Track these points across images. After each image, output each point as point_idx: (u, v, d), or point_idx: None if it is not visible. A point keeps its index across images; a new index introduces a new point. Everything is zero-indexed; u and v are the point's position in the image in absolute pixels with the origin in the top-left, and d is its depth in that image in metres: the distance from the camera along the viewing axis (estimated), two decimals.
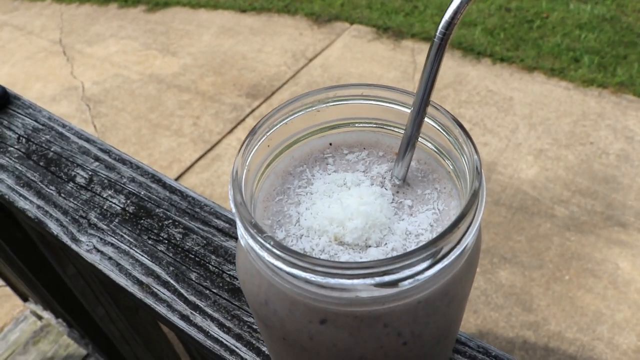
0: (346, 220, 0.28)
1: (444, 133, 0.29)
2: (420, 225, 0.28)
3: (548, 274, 2.93)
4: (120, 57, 4.80)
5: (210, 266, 0.53)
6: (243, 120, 4.05)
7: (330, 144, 0.33)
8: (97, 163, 0.65)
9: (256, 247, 0.26)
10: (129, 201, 0.60)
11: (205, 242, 0.55)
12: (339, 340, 0.27)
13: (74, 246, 0.57)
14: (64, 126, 0.70)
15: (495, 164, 3.60)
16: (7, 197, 0.62)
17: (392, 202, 0.30)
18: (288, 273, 0.25)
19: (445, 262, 0.25)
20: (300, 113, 0.31)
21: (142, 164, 0.64)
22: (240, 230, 0.27)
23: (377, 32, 4.71)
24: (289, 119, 0.31)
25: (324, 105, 0.31)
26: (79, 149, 0.67)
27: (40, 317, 2.09)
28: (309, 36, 4.76)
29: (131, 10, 5.46)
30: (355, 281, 0.24)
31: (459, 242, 0.25)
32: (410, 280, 0.24)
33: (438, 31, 0.25)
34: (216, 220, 0.57)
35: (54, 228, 0.59)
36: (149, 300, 0.52)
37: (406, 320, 0.27)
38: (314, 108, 0.31)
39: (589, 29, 4.38)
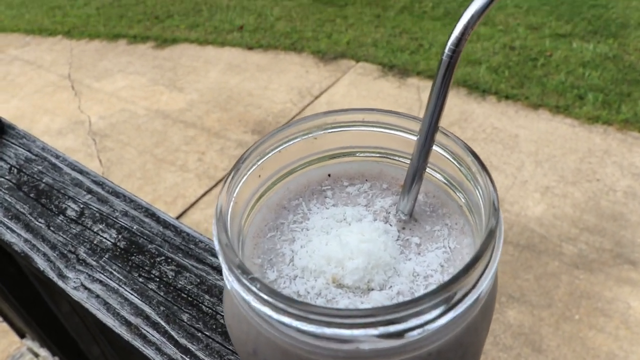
0: (346, 260, 0.24)
1: (455, 162, 0.26)
2: (430, 265, 0.25)
3: (557, 313, 2.87)
4: (128, 92, 4.86)
5: (203, 306, 0.50)
6: None
7: (329, 175, 0.30)
8: (89, 195, 0.62)
9: (242, 291, 0.22)
10: (120, 236, 0.57)
11: (199, 280, 0.52)
12: None
13: (60, 283, 0.53)
14: (57, 157, 0.68)
15: (502, 201, 3.57)
16: None
17: (397, 240, 0.27)
18: (278, 321, 0.22)
19: (459, 309, 0.21)
20: (296, 140, 0.28)
21: (135, 197, 0.61)
22: (225, 272, 0.24)
23: (383, 70, 4.76)
24: (282, 147, 0.28)
25: (322, 132, 0.28)
26: (72, 180, 0.64)
27: (36, 355, 2.04)
28: (315, 74, 4.81)
29: (140, 47, 5.54)
30: (356, 331, 0.20)
31: (474, 287, 0.21)
32: (419, 331, 0.21)
33: (447, 48, 0.23)
34: (211, 258, 0.54)
35: (41, 263, 0.56)
36: (137, 343, 0.48)
37: None
38: (310, 135, 0.28)
39: (593, 67, 4.41)
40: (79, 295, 0.52)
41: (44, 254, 0.57)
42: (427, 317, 0.20)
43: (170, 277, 0.53)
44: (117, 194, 0.62)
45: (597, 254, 3.12)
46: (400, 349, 0.22)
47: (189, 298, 0.51)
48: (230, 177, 0.26)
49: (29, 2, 6.67)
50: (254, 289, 0.21)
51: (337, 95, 4.52)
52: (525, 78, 4.46)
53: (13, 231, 0.60)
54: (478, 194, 0.25)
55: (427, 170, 0.29)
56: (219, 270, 0.53)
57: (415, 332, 0.21)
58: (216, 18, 5.78)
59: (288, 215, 0.29)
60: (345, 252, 0.25)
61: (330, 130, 0.28)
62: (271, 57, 5.09)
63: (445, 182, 0.28)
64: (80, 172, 0.65)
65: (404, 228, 0.27)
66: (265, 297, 0.21)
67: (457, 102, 4.32)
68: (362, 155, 0.30)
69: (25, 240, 0.58)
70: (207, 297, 0.51)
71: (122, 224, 0.59)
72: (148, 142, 4.22)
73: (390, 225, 0.27)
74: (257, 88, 4.70)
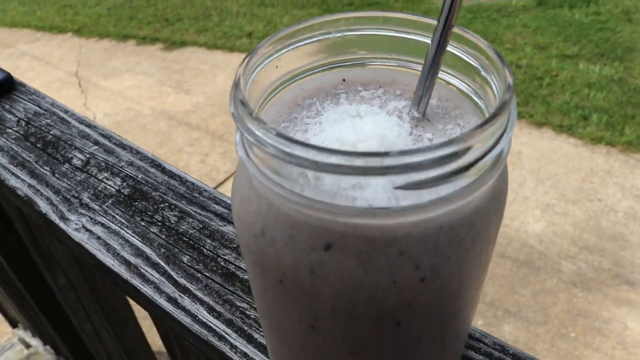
0: (359, 142, 0.24)
1: (468, 58, 0.26)
2: None
3: (553, 330, 2.85)
4: (134, 92, 4.87)
5: (204, 249, 0.49)
6: None
7: (344, 80, 0.30)
8: (96, 147, 0.62)
9: (257, 144, 0.22)
10: (125, 184, 0.57)
11: (201, 225, 0.52)
12: (346, 271, 0.23)
13: (61, 224, 0.53)
14: (66, 112, 0.68)
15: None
16: None
17: (410, 134, 0.26)
18: (288, 161, 0.21)
19: (471, 173, 0.21)
20: (313, 39, 0.28)
21: (142, 149, 0.61)
22: (239, 136, 0.24)
23: None
24: (300, 44, 0.28)
25: (339, 33, 0.28)
26: (79, 133, 0.64)
27: (28, 345, 2.03)
28: None
29: (149, 48, 5.57)
30: (372, 179, 0.20)
31: (489, 152, 0.21)
32: (432, 187, 0.20)
33: None
34: (215, 205, 0.54)
35: (43, 206, 0.56)
36: (135, 282, 0.47)
37: (425, 248, 0.22)
38: (329, 35, 0.28)
39: (598, 88, 4.43)
40: (80, 237, 0.52)
41: (47, 198, 0.56)
42: (443, 170, 0.20)
43: (172, 222, 0.52)
44: (123, 146, 0.62)
45: (595, 273, 3.10)
46: (413, 211, 0.21)
47: (191, 242, 0.50)
48: (248, 59, 0.26)
49: (41, 0, 6.73)
50: (270, 135, 0.21)
51: None
52: (530, 96, 4.47)
53: (17, 177, 0.59)
54: (493, 84, 0.25)
55: (442, 76, 0.29)
56: (222, 217, 0.53)
57: (430, 188, 0.20)
58: (226, 23, 5.81)
59: (302, 112, 0.29)
60: (359, 135, 0.24)
61: (347, 34, 0.28)
62: None
63: (460, 84, 0.28)
64: (88, 125, 0.65)
65: (417, 125, 0.27)
66: (282, 142, 0.20)
67: None
68: (377, 61, 0.30)
69: (29, 186, 0.58)
70: (208, 241, 0.50)
71: (127, 172, 0.58)
72: (152, 142, 4.22)
73: (404, 122, 0.27)
74: None
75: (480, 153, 0.21)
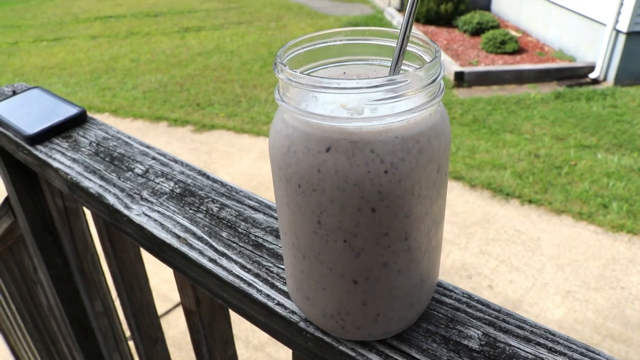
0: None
1: (419, 51, 0.42)
2: None
3: None
4: None
5: (239, 229, 0.63)
6: None
7: (344, 73, 0.45)
8: (153, 161, 0.78)
9: (284, 78, 0.37)
10: (176, 186, 0.72)
11: (237, 213, 0.65)
12: (339, 165, 0.37)
13: (126, 211, 0.67)
14: (129, 137, 0.84)
15: (521, 302, 3.54)
16: (74, 179, 0.75)
17: None
18: (305, 88, 0.35)
19: (415, 99, 0.35)
20: (324, 44, 0.44)
21: (192, 164, 0.76)
22: (278, 87, 0.39)
23: None
24: (316, 45, 0.43)
25: (340, 42, 0.44)
26: (140, 151, 0.80)
27: None
28: None
29: (179, 129, 5.86)
30: (353, 96, 0.35)
31: (426, 86, 0.35)
32: (389, 103, 0.35)
33: None
34: (248, 200, 0.68)
35: (111, 200, 0.70)
36: (184, 249, 0.60)
37: (387, 149, 0.36)
38: (335, 43, 0.44)
39: (617, 177, 4.49)
40: (141, 220, 0.66)
41: (114, 194, 0.71)
42: (393, 91, 0.34)
43: (214, 210, 0.66)
44: (176, 160, 0.78)
45: None
46: (378, 123, 0.35)
47: (228, 224, 0.64)
48: (280, 51, 0.42)
49: (83, 82, 7.18)
50: (294, 72, 0.35)
51: None
52: (549, 184, 4.54)
53: (90, 180, 0.75)
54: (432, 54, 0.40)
55: (404, 67, 0.44)
56: (254, 208, 0.66)
57: (387, 105, 0.34)
58: (254, 110, 6.11)
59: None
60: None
61: (346, 41, 0.44)
62: None
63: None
64: (148, 147, 0.81)
65: None
66: (301, 78, 0.35)
67: (480, 204, 4.40)
68: (366, 61, 0.45)
69: (100, 186, 0.73)
70: (243, 223, 0.64)
71: (179, 178, 0.73)
72: None
73: None
74: None
75: (417, 85, 0.35)
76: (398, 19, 8.78)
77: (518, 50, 7.05)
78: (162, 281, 3.29)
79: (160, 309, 3.14)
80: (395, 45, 0.42)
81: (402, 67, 0.40)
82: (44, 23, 10.32)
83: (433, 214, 0.41)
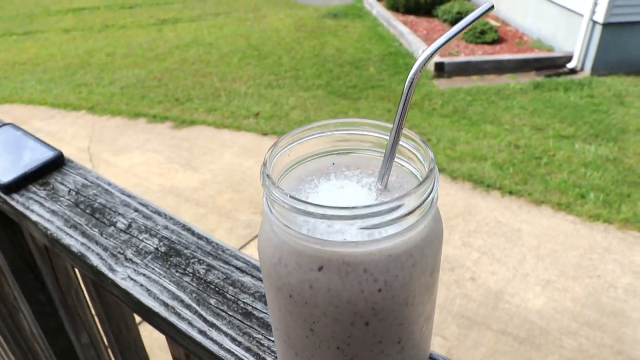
0: (341, 204, 0.38)
1: (411, 149, 0.41)
2: None
3: None
4: (143, 168, 5.00)
5: (227, 295, 0.62)
6: (256, 236, 4.11)
7: (333, 163, 0.44)
8: (136, 213, 0.76)
9: (274, 200, 0.36)
10: (161, 243, 0.70)
11: (224, 276, 0.65)
12: (332, 284, 0.36)
13: (110, 275, 0.66)
14: (109, 184, 0.83)
15: (503, 292, 3.60)
16: (55, 235, 0.73)
17: (376, 199, 0.40)
18: (296, 213, 0.35)
19: (410, 219, 0.35)
20: (313, 136, 0.43)
21: (175, 216, 0.75)
22: (265, 197, 0.38)
23: None
24: (304, 139, 0.43)
25: (330, 132, 0.43)
26: (121, 202, 0.78)
27: None
28: None
29: (158, 126, 5.78)
30: (347, 223, 0.34)
31: (420, 205, 0.35)
32: (383, 227, 0.34)
33: (408, 78, 0.38)
34: (235, 261, 0.67)
35: (95, 260, 0.69)
36: (173, 319, 0.60)
37: (380, 269, 0.36)
38: (323, 134, 0.43)
39: (594, 167, 4.57)
40: (126, 284, 0.65)
41: (97, 254, 0.70)
42: (388, 217, 0.34)
43: (201, 273, 0.65)
44: (159, 212, 0.76)
45: (597, 349, 3.11)
46: (371, 243, 0.35)
47: (216, 289, 0.63)
48: (271, 150, 0.41)
49: (58, 79, 7.02)
50: (284, 195, 0.34)
51: None
52: (529, 175, 4.59)
53: (71, 236, 0.73)
54: (425, 164, 0.39)
55: (397, 161, 0.43)
56: (241, 270, 0.65)
57: (382, 230, 0.34)
58: (234, 104, 6.06)
59: (305, 185, 0.42)
60: (342, 199, 0.38)
61: (335, 132, 0.43)
62: None
63: (408, 166, 0.43)
64: (129, 195, 0.79)
65: (380, 194, 0.41)
66: (292, 202, 0.34)
67: (462, 196, 4.44)
68: (356, 152, 0.44)
69: (82, 244, 0.72)
70: (231, 288, 0.63)
71: (163, 234, 0.72)
72: None
73: (371, 192, 0.41)
74: None
75: (411, 207, 0.34)
76: (377, 9, 8.74)
77: (497, 40, 7.08)
78: None
79: None
80: (383, 136, 0.41)
81: (395, 160, 0.40)
82: (12, 16, 10.04)
83: (425, 312, 0.41)
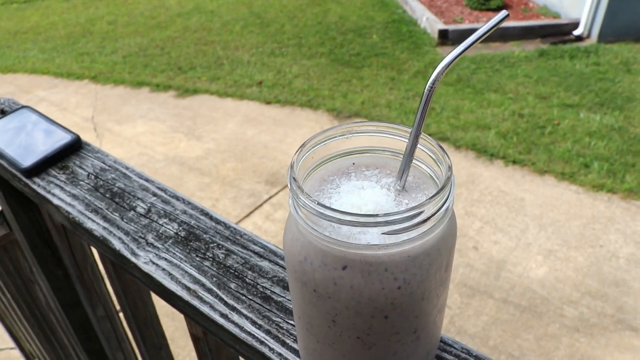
0: (362, 206, 0.41)
1: (430, 153, 0.43)
2: None
3: None
4: (147, 138, 5.00)
5: (246, 279, 0.65)
6: (260, 205, 4.14)
7: (354, 164, 0.47)
8: (154, 198, 0.79)
9: (301, 204, 0.38)
10: (180, 228, 0.73)
11: (243, 261, 0.68)
12: (354, 282, 0.39)
13: (133, 259, 0.69)
14: (127, 168, 0.85)
15: (505, 262, 3.64)
16: (77, 219, 0.76)
17: (394, 200, 0.43)
18: (322, 218, 0.37)
19: (428, 224, 0.37)
20: (335, 139, 0.45)
21: (192, 200, 0.78)
22: (292, 200, 0.40)
23: None
24: (326, 142, 0.45)
25: (350, 135, 0.45)
26: (140, 186, 0.81)
27: None
28: None
29: (162, 95, 5.76)
30: (369, 228, 0.37)
31: (437, 212, 0.37)
32: (403, 232, 0.37)
33: (427, 85, 0.39)
34: (253, 246, 0.70)
35: (117, 245, 0.72)
36: (195, 302, 0.63)
37: (400, 268, 0.39)
38: (344, 136, 0.45)
39: (599, 137, 4.55)
40: (149, 269, 0.68)
41: (119, 238, 0.73)
42: (408, 223, 0.36)
43: (220, 258, 0.68)
44: (177, 197, 0.79)
45: (598, 319, 3.16)
46: (393, 246, 0.37)
47: (235, 273, 0.66)
48: (298, 152, 0.43)
49: (60, 48, 6.97)
50: (312, 201, 0.37)
51: None
52: (532, 144, 4.58)
53: (93, 221, 0.76)
54: (442, 168, 0.41)
55: (415, 162, 0.45)
56: (259, 255, 0.68)
57: (403, 235, 0.36)
58: (237, 72, 6.02)
59: (327, 185, 0.45)
60: (363, 201, 0.41)
61: (355, 135, 0.45)
62: (287, 113, 5.26)
63: (426, 167, 0.45)
64: (147, 180, 0.82)
65: (398, 194, 0.44)
66: (319, 208, 0.37)
67: (465, 165, 4.44)
68: (375, 152, 0.47)
69: (103, 228, 0.74)
70: (249, 272, 0.66)
71: (182, 219, 0.75)
72: None
73: (390, 192, 0.44)
74: (272, 141, 4.85)
75: (429, 214, 0.37)
76: None
77: (502, 6, 6.98)
78: None
79: None
80: (402, 139, 0.43)
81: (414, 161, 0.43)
82: None
83: (439, 304, 0.44)
